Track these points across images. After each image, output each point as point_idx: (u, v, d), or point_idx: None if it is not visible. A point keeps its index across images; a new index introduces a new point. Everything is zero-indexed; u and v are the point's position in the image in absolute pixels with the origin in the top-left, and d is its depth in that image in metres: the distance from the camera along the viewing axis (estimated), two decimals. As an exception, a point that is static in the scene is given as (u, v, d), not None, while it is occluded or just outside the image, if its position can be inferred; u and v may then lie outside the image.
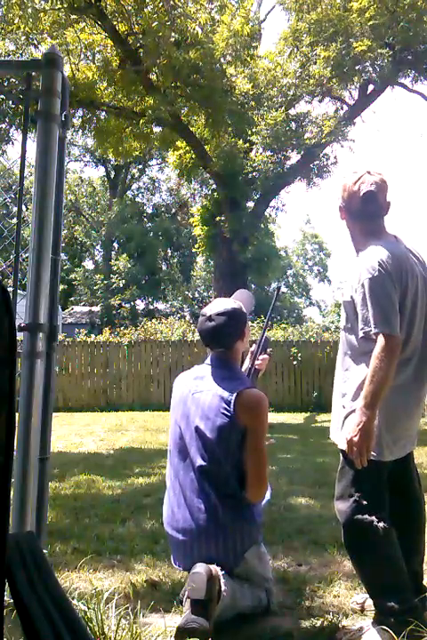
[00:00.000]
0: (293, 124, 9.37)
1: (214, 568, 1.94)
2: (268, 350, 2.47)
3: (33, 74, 1.90)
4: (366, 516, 1.92)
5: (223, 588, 1.94)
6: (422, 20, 8.22)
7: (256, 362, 2.43)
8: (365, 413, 1.83)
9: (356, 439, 1.84)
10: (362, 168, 2.08)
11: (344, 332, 2.07)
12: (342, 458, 2.03)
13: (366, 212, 2.04)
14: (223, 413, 2.06)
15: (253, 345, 2.48)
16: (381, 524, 1.91)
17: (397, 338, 1.86)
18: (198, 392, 2.17)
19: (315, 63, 8.85)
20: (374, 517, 1.91)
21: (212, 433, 2.07)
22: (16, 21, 7.33)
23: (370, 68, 8.83)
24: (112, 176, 27.61)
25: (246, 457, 2.09)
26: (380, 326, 1.85)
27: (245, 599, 2.09)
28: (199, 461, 2.09)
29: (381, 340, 1.84)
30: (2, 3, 7.50)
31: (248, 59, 8.90)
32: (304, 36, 8.89)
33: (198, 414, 2.13)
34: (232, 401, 2.07)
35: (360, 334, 1.92)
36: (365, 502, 1.93)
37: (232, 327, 2.18)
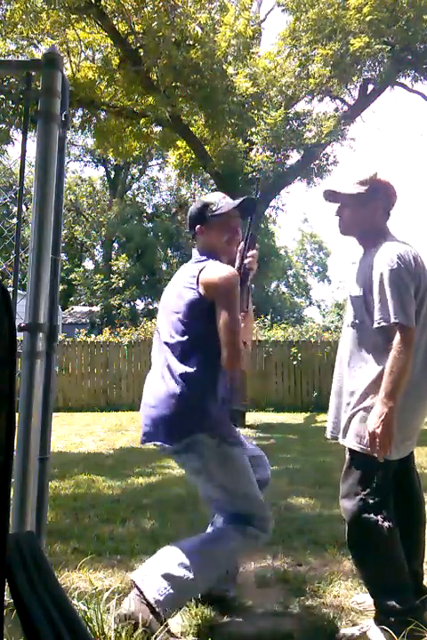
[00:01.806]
0: (294, 123, 9.36)
1: (144, 612, 1.88)
2: (256, 246, 2.35)
3: (33, 74, 1.90)
4: (372, 515, 1.92)
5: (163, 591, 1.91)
6: (421, 19, 8.21)
7: (245, 260, 2.30)
8: (386, 404, 1.84)
9: (379, 431, 1.84)
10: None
11: (352, 328, 2.06)
12: (348, 456, 2.02)
13: (392, 208, 2.11)
14: (190, 287, 2.08)
15: (241, 243, 2.35)
16: (386, 524, 1.91)
17: (414, 330, 1.89)
18: (173, 279, 2.27)
19: (314, 62, 8.85)
20: (379, 517, 1.91)
21: (180, 308, 2.10)
22: (19, 26, 7.34)
23: (369, 67, 8.82)
24: (112, 176, 27.62)
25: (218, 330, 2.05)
26: (400, 317, 1.87)
27: (208, 565, 2.04)
28: (165, 337, 2.13)
29: (399, 331, 1.86)
30: (2, 3, 7.50)
31: (249, 58, 8.89)
32: (303, 34, 8.89)
33: (171, 295, 2.20)
34: (197, 274, 2.08)
35: (376, 325, 1.92)
36: (371, 501, 1.93)
37: (195, 212, 2.24)
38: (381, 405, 1.86)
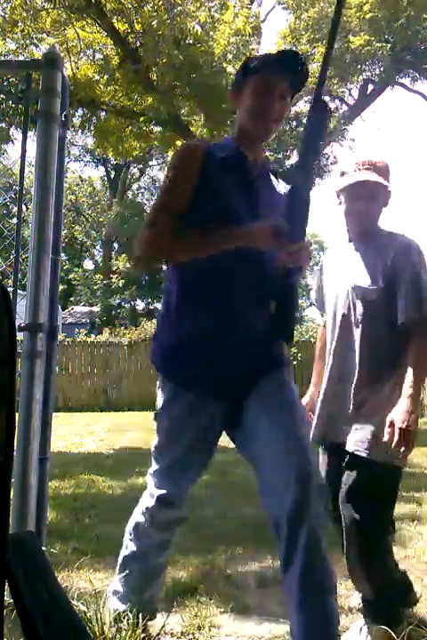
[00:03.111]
0: (293, 123, 9.36)
1: None
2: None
3: (33, 73, 1.90)
4: (372, 522, 1.87)
5: None
6: (421, 18, 8.21)
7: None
8: (414, 401, 1.77)
9: (412, 428, 1.75)
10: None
11: (358, 326, 1.92)
12: (349, 460, 1.91)
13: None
14: None
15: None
16: (387, 528, 1.90)
17: None
18: None
19: (314, 61, 8.85)
20: (380, 521, 1.89)
21: None
22: (19, 25, 7.35)
23: (369, 66, 8.83)
24: (112, 176, 27.60)
25: None
26: None
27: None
28: None
29: None
30: (3, 2, 7.52)
31: (248, 55, 8.88)
32: (303, 33, 8.89)
33: None
34: None
35: (403, 319, 1.83)
36: (373, 508, 1.87)
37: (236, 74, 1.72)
38: (408, 402, 1.76)
